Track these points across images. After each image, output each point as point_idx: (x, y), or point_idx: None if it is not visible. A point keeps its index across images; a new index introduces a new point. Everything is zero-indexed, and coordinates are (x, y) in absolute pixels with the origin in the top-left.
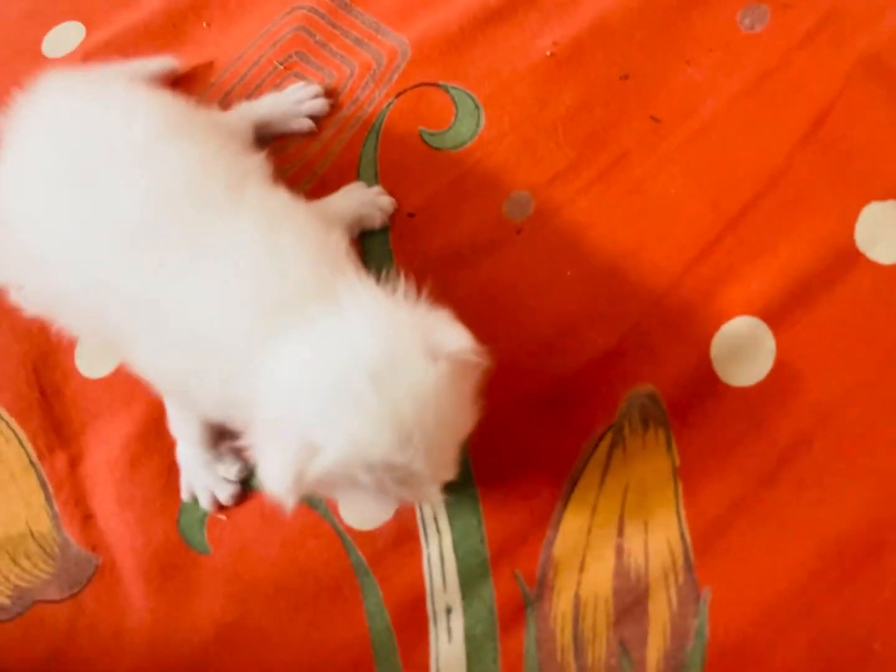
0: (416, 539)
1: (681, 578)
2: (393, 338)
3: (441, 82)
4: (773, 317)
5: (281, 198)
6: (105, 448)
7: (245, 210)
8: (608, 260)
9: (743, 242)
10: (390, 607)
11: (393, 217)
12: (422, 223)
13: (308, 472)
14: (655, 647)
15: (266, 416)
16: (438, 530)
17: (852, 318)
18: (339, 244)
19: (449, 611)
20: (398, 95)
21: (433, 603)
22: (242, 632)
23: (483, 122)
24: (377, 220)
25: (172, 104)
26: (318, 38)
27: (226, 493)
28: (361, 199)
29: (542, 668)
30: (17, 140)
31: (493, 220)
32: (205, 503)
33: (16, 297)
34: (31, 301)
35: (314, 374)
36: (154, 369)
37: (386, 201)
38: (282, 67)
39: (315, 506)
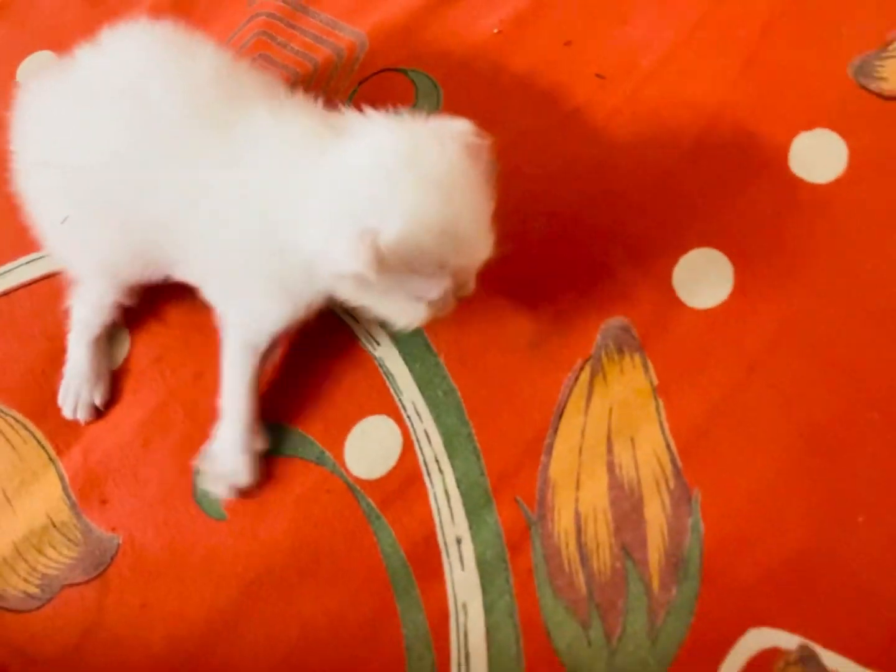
0: (421, 480)
1: (671, 483)
2: (412, 133)
3: (400, 67)
4: (727, 244)
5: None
6: (116, 434)
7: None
8: (572, 209)
9: (694, 178)
10: (404, 545)
11: None
12: None
13: (382, 249)
14: (655, 548)
15: (319, 228)
16: (441, 470)
17: (800, 234)
18: None
19: (459, 541)
20: (361, 83)
21: (443, 535)
22: (266, 587)
23: (442, 98)
24: None
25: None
26: (279, 39)
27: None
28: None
29: (552, 581)
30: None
31: None
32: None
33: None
34: (71, 239)
35: (354, 173)
36: (212, 246)
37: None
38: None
39: (323, 462)
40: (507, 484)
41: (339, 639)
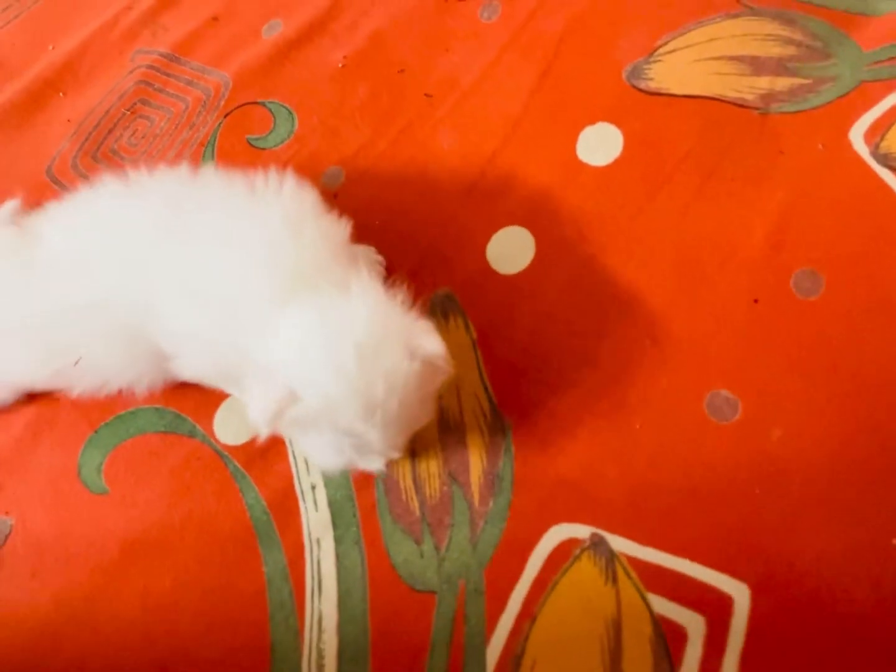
0: (281, 441)
1: (489, 417)
2: (384, 328)
3: (259, 100)
4: (530, 221)
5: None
6: (8, 431)
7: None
8: (406, 205)
9: (500, 172)
10: (266, 496)
11: None
12: None
13: (285, 414)
14: (476, 470)
15: (263, 362)
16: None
17: (586, 207)
18: (355, 249)
19: (314, 487)
20: (226, 116)
21: (300, 484)
22: (143, 545)
23: (297, 122)
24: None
25: None
26: (156, 86)
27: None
28: (365, 256)
29: (391, 509)
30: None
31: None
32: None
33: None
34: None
35: (311, 338)
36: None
37: (379, 269)
38: (129, 114)
39: (195, 434)
40: None
41: (208, 581)
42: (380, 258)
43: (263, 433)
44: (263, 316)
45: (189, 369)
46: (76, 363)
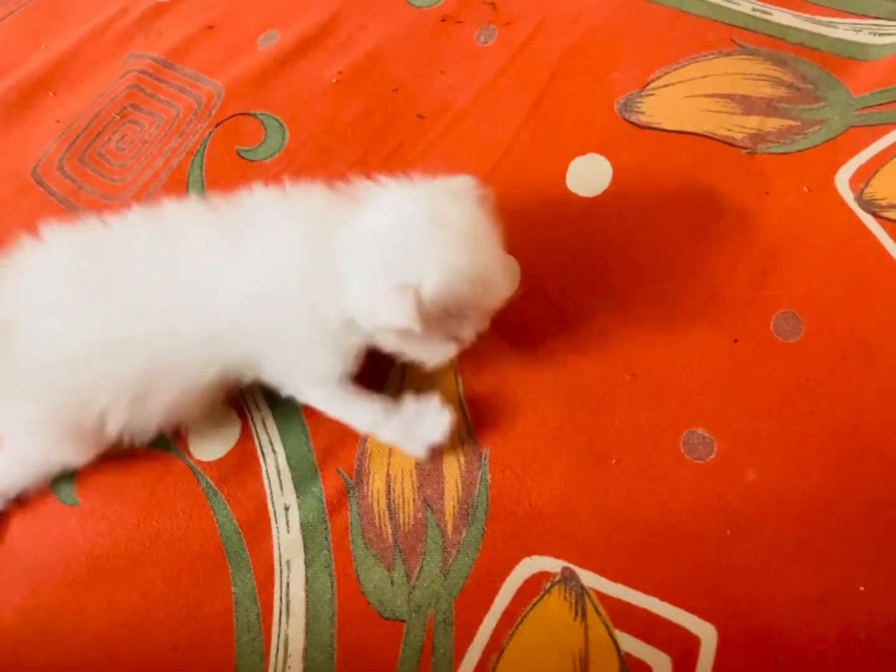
0: (256, 459)
1: (465, 445)
2: (425, 195)
3: (251, 111)
4: (516, 249)
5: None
6: None
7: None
8: None
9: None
10: (237, 515)
11: None
12: None
13: (424, 302)
14: (451, 497)
15: (360, 286)
16: (274, 450)
17: (573, 238)
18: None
19: (287, 508)
20: (217, 126)
21: (273, 504)
22: (111, 559)
23: (288, 136)
24: None
25: None
26: (147, 91)
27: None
28: None
29: (364, 534)
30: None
31: None
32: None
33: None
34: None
35: (383, 241)
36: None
37: None
38: (118, 118)
39: (169, 448)
40: (332, 457)
41: (175, 599)
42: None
43: (419, 327)
44: (317, 263)
45: (275, 367)
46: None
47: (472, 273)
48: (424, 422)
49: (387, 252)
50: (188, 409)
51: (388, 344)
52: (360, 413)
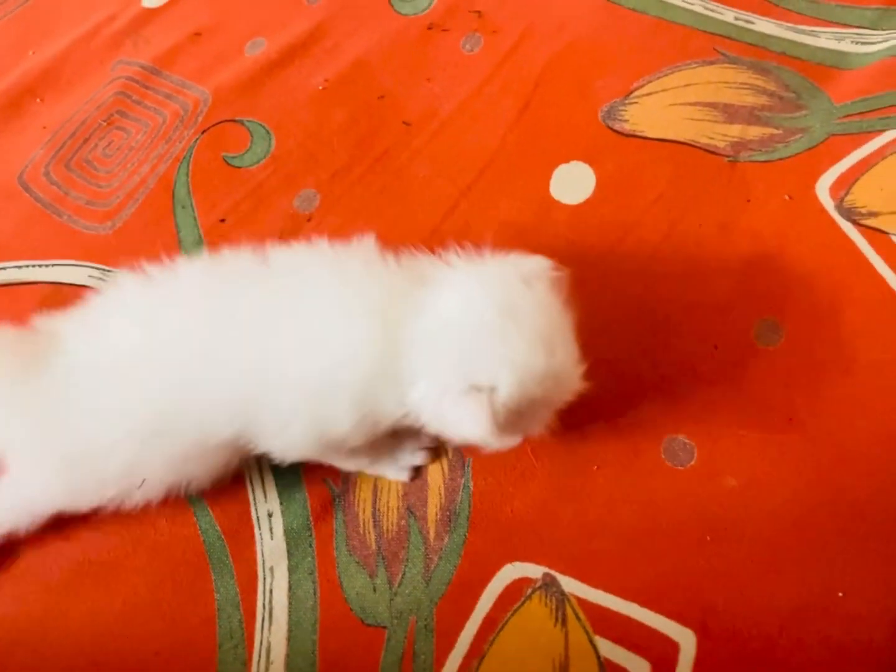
0: (240, 468)
1: (449, 454)
2: (497, 282)
3: (238, 118)
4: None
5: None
6: None
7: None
8: (378, 233)
9: (473, 205)
10: (220, 522)
11: (206, 223)
12: (230, 226)
13: (498, 408)
14: (434, 504)
15: (427, 385)
16: (258, 459)
17: (557, 245)
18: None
19: (270, 515)
20: (203, 132)
21: (256, 511)
22: (94, 566)
23: (274, 143)
24: None
25: None
26: (134, 97)
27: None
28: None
29: (348, 541)
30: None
31: (288, 215)
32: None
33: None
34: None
35: (451, 335)
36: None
37: None
38: (105, 124)
39: None
40: (318, 466)
41: (158, 606)
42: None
43: (496, 442)
44: (377, 355)
45: (293, 451)
46: (140, 486)
47: (546, 372)
48: (404, 447)
49: (456, 348)
50: (197, 470)
51: (452, 440)
52: (346, 464)
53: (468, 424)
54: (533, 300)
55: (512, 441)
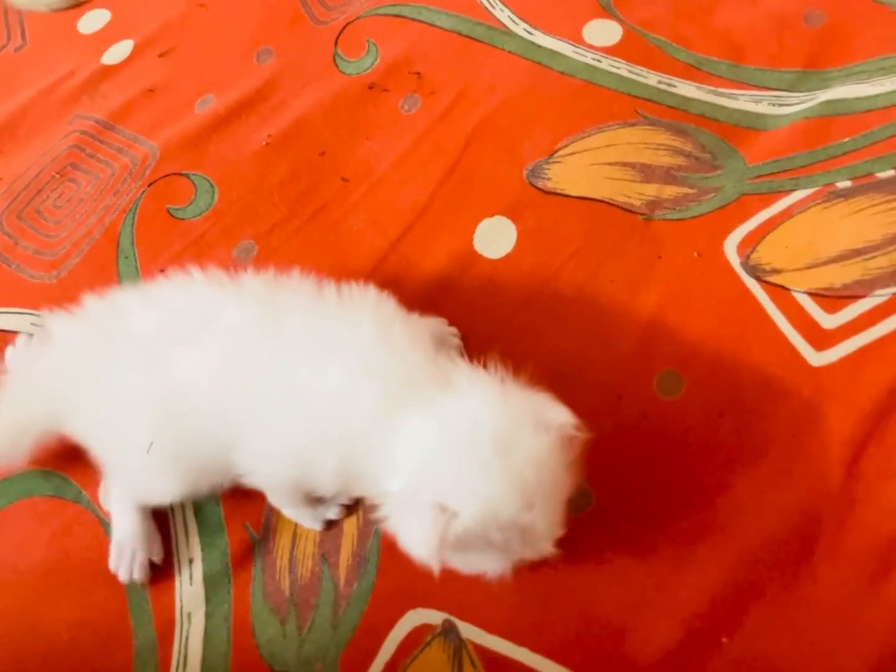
0: (164, 513)
1: (365, 500)
2: (509, 413)
3: (183, 171)
4: (423, 308)
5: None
6: None
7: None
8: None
9: (402, 257)
10: None
11: (147, 273)
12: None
13: (448, 535)
14: (346, 551)
15: (400, 487)
16: (182, 504)
17: (477, 299)
18: (441, 338)
19: (191, 561)
20: (150, 185)
21: (178, 557)
22: (15, 611)
23: (217, 196)
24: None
25: None
26: (87, 151)
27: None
28: (439, 332)
29: (264, 587)
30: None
31: (225, 264)
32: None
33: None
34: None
35: (443, 447)
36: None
37: (455, 343)
38: (58, 176)
39: (79, 500)
40: (239, 512)
41: (79, 652)
42: (453, 330)
43: (436, 566)
44: (374, 432)
45: (265, 486)
46: (148, 449)
47: (513, 523)
48: (327, 502)
49: (442, 462)
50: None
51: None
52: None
53: (415, 537)
54: (534, 447)
55: (497, 564)
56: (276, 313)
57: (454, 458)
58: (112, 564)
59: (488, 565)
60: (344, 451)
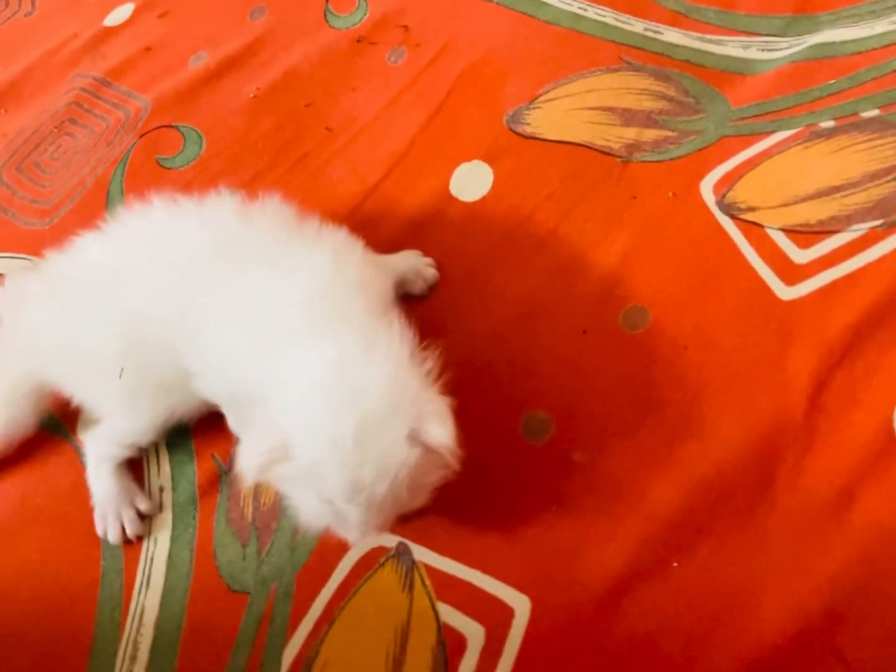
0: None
1: None
2: (393, 404)
3: (173, 123)
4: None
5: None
6: None
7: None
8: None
9: (378, 202)
10: None
11: None
12: None
13: (271, 469)
14: None
15: (267, 408)
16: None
17: (451, 240)
18: (390, 292)
19: (161, 489)
20: (141, 136)
21: (149, 485)
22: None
23: (204, 146)
24: (418, 287)
25: None
26: (85, 106)
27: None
28: (413, 265)
29: (228, 513)
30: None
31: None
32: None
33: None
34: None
35: (323, 400)
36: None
37: (431, 273)
38: (56, 130)
39: (58, 431)
40: (209, 444)
41: (49, 573)
42: (428, 260)
43: (248, 481)
44: (286, 352)
45: (207, 388)
46: (120, 374)
47: (331, 502)
48: None
49: (310, 411)
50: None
51: None
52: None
53: (246, 454)
54: (390, 454)
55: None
56: (242, 235)
57: (321, 416)
58: (99, 530)
59: (306, 515)
60: (260, 362)
